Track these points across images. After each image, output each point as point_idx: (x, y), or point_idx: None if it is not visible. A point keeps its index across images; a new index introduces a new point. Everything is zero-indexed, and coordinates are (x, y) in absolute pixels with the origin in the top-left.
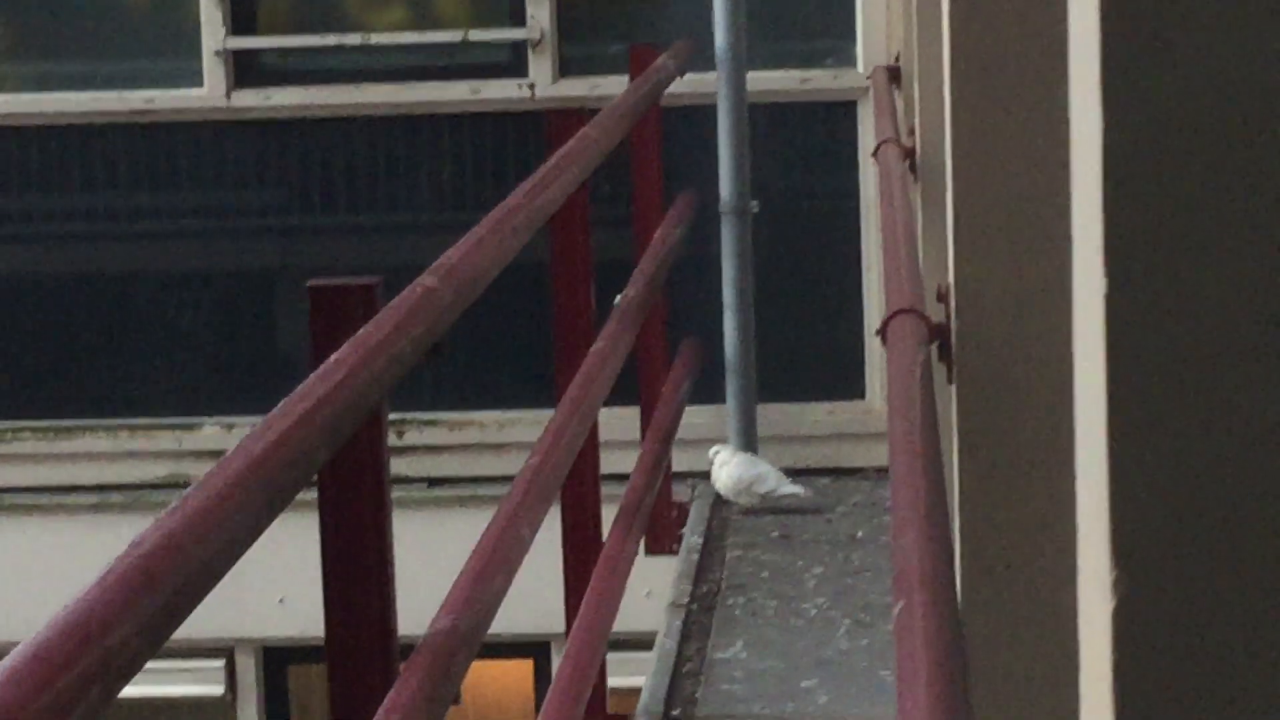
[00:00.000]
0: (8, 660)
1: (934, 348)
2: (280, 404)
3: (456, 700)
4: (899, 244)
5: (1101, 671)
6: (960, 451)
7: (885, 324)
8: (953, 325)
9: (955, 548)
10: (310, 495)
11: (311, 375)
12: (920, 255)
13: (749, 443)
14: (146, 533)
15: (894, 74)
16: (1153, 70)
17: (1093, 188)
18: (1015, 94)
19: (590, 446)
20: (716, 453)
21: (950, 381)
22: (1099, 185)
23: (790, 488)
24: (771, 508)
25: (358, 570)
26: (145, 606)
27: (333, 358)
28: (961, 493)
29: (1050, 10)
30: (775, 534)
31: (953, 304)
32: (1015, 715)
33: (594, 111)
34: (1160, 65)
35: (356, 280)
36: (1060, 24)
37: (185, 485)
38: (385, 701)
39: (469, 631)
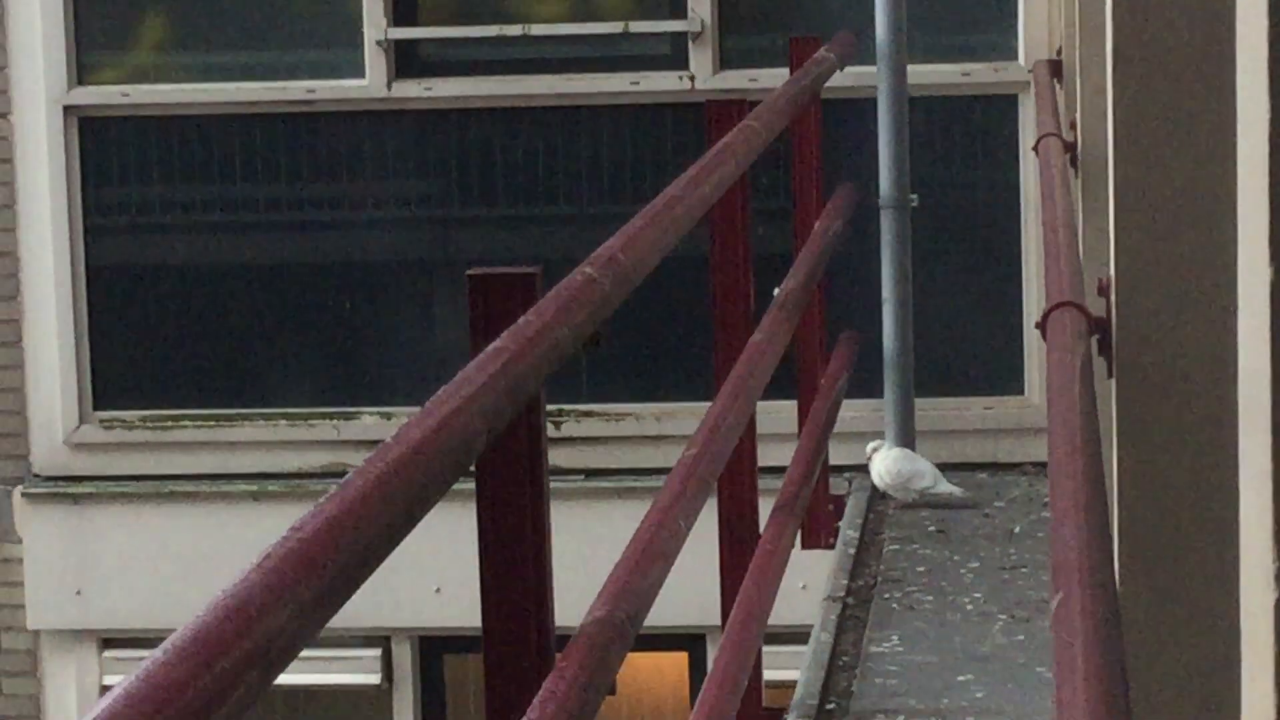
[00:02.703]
0: (168, 642)
1: (1094, 341)
2: (439, 391)
3: (612, 691)
4: (1059, 237)
5: (1264, 664)
6: (1119, 445)
7: (1045, 317)
8: (1113, 318)
9: (1114, 541)
10: (466, 485)
11: (471, 363)
12: (1080, 249)
13: (906, 437)
14: (306, 518)
15: (1055, 67)
16: None
17: (1259, 179)
18: (1179, 87)
19: (748, 439)
20: (875, 448)
21: (1110, 375)
22: (1265, 176)
23: (947, 486)
24: (928, 503)
25: (515, 559)
26: (304, 590)
27: (492, 346)
28: (1120, 486)
29: (1215, 3)
30: (932, 528)
31: (1114, 297)
32: (1174, 709)
33: (754, 104)
34: None
35: (517, 270)
36: (1225, 17)
37: (343, 474)
38: (541, 691)
39: (625, 622)
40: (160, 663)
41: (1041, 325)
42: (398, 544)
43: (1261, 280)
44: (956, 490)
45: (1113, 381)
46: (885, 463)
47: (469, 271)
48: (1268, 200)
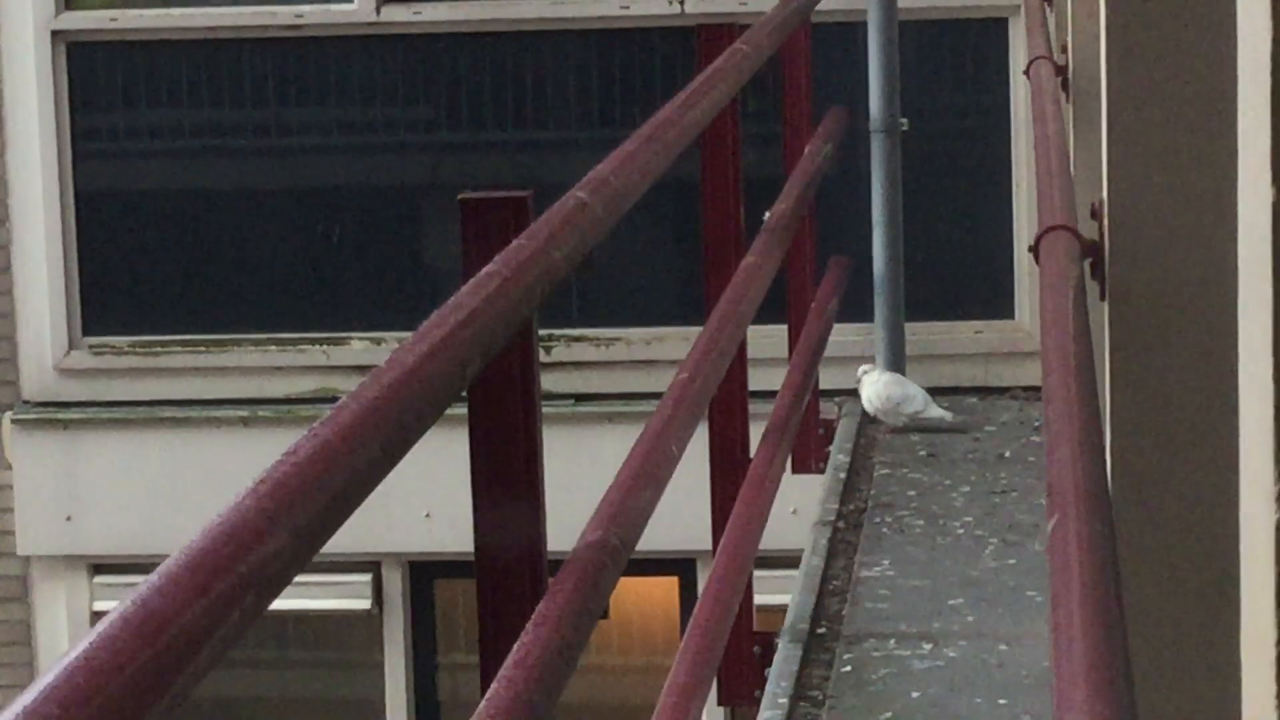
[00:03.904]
0: (162, 567)
1: (1086, 264)
2: (433, 316)
3: (605, 615)
4: (1052, 161)
5: (1265, 582)
6: (1112, 368)
7: (1038, 240)
8: (1106, 242)
9: (1107, 464)
10: (455, 411)
11: (464, 287)
12: (1071, 173)
13: (897, 361)
14: (301, 442)
15: None
16: None
17: (1260, 96)
18: (1173, 8)
19: (738, 363)
20: (865, 372)
21: (1102, 298)
22: (1267, 94)
23: (938, 410)
24: (919, 428)
25: (508, 484)
26: (300, 514)
27: (485, 270)
28: (1113, 409)
29: None
30: (923, 452)
31: (1106, 221)
32: (1169, 630)
33: (744, 27)
34: None
35: (509, 193)
36: None
37: (333, 399)
38: (534, 614)
39: (618, 546)
40: (155, 588)
41: (1035, 249)
42: (392, 468)
43: (1263, 199)
44: (947, 415)
45: (1105, 305)
46: (875, 387)
47: (461, 196)
48: (1270, 116)
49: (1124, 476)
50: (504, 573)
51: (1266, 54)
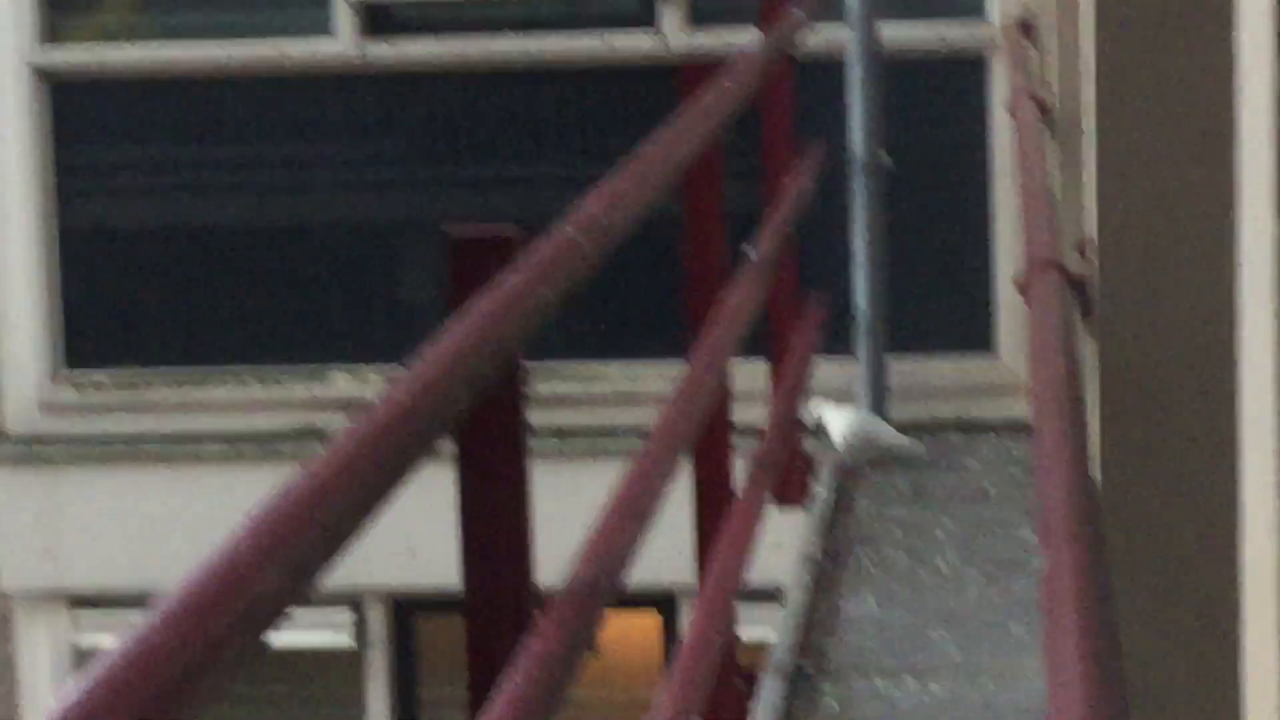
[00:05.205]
0: (159, 603)
1: (1074, 301)
2: (422, 352)
3: (593, 650)
4: (1037, 197)
5: (1270, 619)
6: (1101, 403)
7: (1026, 277)
8: (1094, 278)
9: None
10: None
11: (454, 324)
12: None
13: (879, 396)
14: (293, 479)
15: (1026, 26)
16: None
17: (1262, 134)
18: (1160, 45)
19: (721, 398)
20: (822, 409)
21: (1089, 333)
22: (1269, 132)
23: (906, 441)
24: (890, 459)
25: (496, 521)
26: (293, 551)
27: (475, 306)
28: (1103, 444)
29: None
30: (905, 487)
31: (1095, 258)
32: (1164, 668)
33: (727, 64)
34: None
35: (497, 230)
36: None
37: (316, 434)
38: (524, 651)
39: (605, 581)
40: (151, 626)
41: (1023, 285)
42: (383, 504)
43: (1265, 234)
44: (918, 446)
45: (1094, 341)
46: (843, 422)
47: (447, 231)
48: (1273, 153)
49: (1113, 511)
50: (492, 609)
51: (1269, 90)
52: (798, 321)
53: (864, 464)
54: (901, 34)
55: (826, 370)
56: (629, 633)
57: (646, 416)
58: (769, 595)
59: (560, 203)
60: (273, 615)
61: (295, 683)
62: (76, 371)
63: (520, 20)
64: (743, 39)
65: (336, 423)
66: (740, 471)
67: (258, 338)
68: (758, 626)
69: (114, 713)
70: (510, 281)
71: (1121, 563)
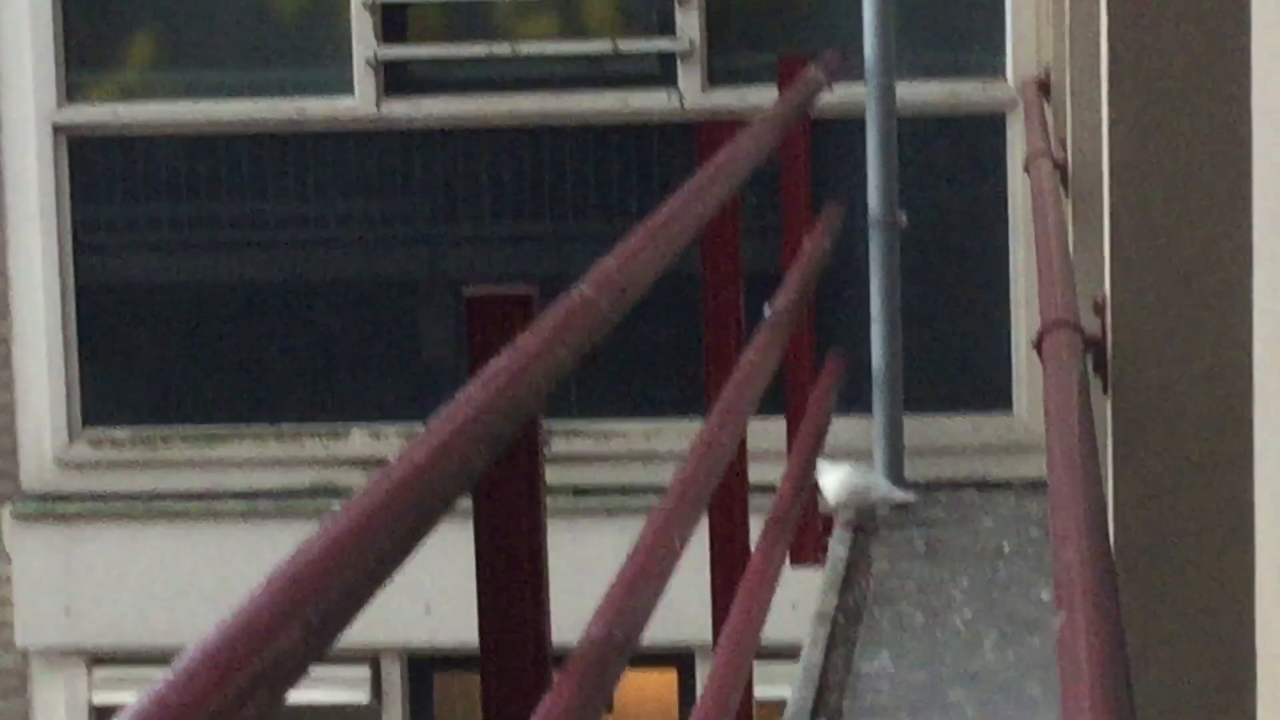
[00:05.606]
0: (178, 662)
1: (1089, 360)
2: (441, 411)
3: (610, 709)
4: (1053, 256)
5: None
6: (1116, 463)
7: (1041, 336)
8: (1109, 337)
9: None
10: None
11: (472, 383)
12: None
13: (895, 455)
14: (313, 538)
15: (1043, 85)
16: None
17: (1275, 195)
18: (1177, 104)
19: (739, 457)
20: (822, 467)
21: (1105, 393)
22: None
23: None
24: (886, 512)
25: (513, 579)
26: (314, 609)
27: (493, 366)
28: (1117, 504)
29: (1211, 21)
30: (921, 546)
31: (1109, 317)
32: None
33: (745, 124)
34: None
35: (514, 290)
36: (1220, 35)
37: (333, 493)
38: (540, 710)
39: (623, 640)
40: (171, 684)
41: (1038, 345)
42: (403, 562)
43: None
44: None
45: (1108, 400)
46: (836, 477)
47: (466, 292)
48: None
49: (1129, 571)
50: (509, 668)
51: None
52: (815, 380)
53: (855, 515)
54: (919, 93)
55: (843, 428)
56: (646, 690)
57: (664, 474)
58: (786, 653)
59: (579, 261)
60: (293, 674)
61: None
62: (94, 429)
63: (539, 79)
64: (761, 99)
65: (355, 481)
66: (757, 529)
67: (276, 395)
68: (774, 685)
69: None
70: (528, 341)
71: (1137, 622)
